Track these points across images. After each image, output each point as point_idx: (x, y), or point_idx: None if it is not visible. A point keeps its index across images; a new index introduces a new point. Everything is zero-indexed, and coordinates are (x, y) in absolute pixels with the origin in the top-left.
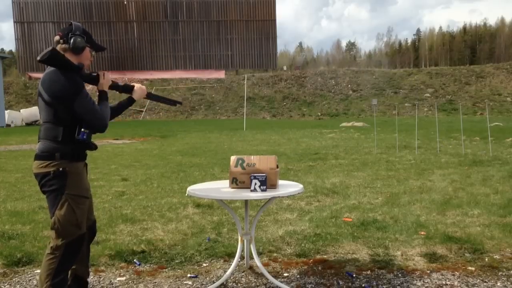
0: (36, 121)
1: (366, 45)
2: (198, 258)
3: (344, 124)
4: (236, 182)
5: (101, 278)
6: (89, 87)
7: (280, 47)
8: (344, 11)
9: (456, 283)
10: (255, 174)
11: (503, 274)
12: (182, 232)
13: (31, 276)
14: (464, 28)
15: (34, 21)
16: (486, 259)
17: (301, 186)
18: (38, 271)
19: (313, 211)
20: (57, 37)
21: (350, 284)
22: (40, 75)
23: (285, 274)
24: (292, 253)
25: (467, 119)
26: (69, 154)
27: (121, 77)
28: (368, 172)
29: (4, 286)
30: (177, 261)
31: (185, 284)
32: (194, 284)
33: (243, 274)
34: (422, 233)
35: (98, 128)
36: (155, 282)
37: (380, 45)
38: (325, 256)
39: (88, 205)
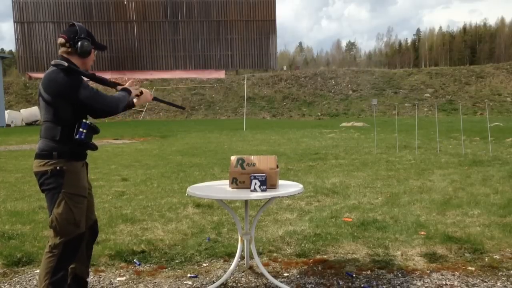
0: (36, 121)
1: (366, 45)
2: (198, 258)
3: (344, 124)
4: (236, 182)
5: (101, 278)
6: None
7: (280, 47)
8: (344, 11)
9: (456, 283)
10: (255, 174)
11: (503, 274)
12: (182, 232)
13: (31, 276)
14: (464, 28)
15: (34, 21)
16: (486, 259)
17: (301, 186)
18: (38, 271)
19: (313, 211)
20: (61, 40)
21: (350, 284)
22: (40, 75)
23: (285, 274)
24: (292, 253)
25: (467, 119)
26: (66, 153)
27: (121, 77)
28: (368, 172)
29: (4, 286)
30: (177, 261)
31: (185, 284)
32: (194, 284)
33: (243, 274)
34: (422, 233)
35: (110, 110)
36: (155, 282)
37: (380, 45)
38: (325, 256)
39: (86, 205)
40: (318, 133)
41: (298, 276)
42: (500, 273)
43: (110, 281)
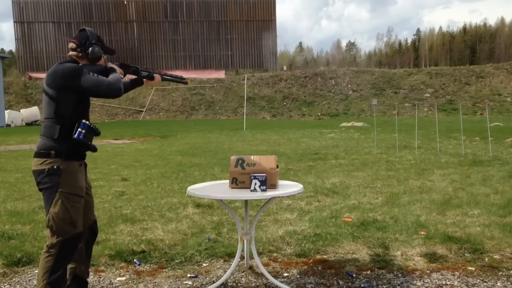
0: (36, 121)
1: (366, 45)
2: (198, 258)
3: (344, 124)
4: (236, 182)
5: (101, 278)
6: None
7: (280, 47)
8: (344, 11)
9: (456, 283)
10: (255, 174)
11: (503, 274)
12: (182, 232)
13: (31, 276)
14: (464, 28)
15: (34, 21)
16: (486, 259)
17: (301, 186)
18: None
19: (313, 211)
20: (72, 45)
21: (350, 284)
22: (40, 75)
23: (285, 274)
24: (292, 253)
25: (467, 119)
26: (64, 152)
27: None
28: (368, 172)
29: (4, 286)
30: (177, 261)
31: (185, 284)
32: (194, 284)
33: (243, 274)
34: (422, 233)
35: (114, 93)
36: (155, 282)
37: (380, 45)
38: (325, 256)
39: (86, 205)
40: (318, 133)
41: (298, 276)
42: (500, 273)
43: (110, 281)
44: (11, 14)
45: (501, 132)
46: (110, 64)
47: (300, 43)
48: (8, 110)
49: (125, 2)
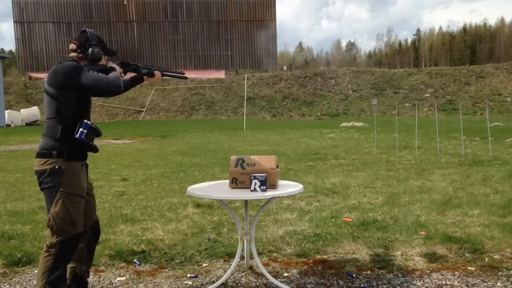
0: (36, 121)
1: (366, 45)
2: (198, 258)
3: (344, 124)
4: (236, 182)
5: (101, 278)
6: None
7: (280, 47)
8: (344, 11)
9: (456, 283)
10: (255, 174)
11: (503, 274)
12: (182, 232)
13: (31, 276)
14: (464, 28)
15: (34, 21)
16: (486, 259)
17: (301, 186)
18: None
19: (313, 211)
20: (73, 46)
21: (350, 284)
22: (40, 75)
23: (285, 274)
24: (292, 253)
25: (467, 119)
26: (66, 152)
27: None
28: (368, 172)
29: (4, 286)
30: (177, 261)
31: (185, 284)
32: (194, 284)
33: (243, 274)
34: (422, 233)
35: (114, 90)
36: (155, 282)
37: (380, 45)
38: (325, 256)
39: (87, 205)
40: (318, 133)
41: (298, 276)
42: (500, 273)
43: (110, 281)
44: (11, 14)
45: (501, 132)
46: (110, 64)
47: (300, 43)
48: (8, 110)
49: (125, 2)
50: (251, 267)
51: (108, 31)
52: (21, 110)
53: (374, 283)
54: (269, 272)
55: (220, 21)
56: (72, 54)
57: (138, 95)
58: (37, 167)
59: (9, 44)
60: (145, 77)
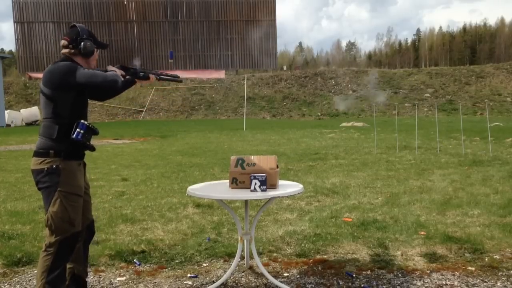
0: (36, 121)
1: (366, 45)
2: (198, 258)
3: (344, 124)
4: (236, 182)
5: (101, 278)
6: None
7: (280, 47)
8: (344, 11)
9: (456, 283)
10: (255, 174)
11: (503, 274)
12: (182, 232)
13: (31, 276)
14: (464, 28)
15: (34, 21)
16: (486, 259)
17: (301, 186)
18: None
19: (313, 211)
20: (64, 42)
21: (350, 284)
22: (40, 75)
23: (285, 274)
24: (292, 253)
25: (467, 119)
26: (63, 152)
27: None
28: (368, 172)
29: (4, 286)
30: (177, 261)
31: (185, 284)
32: (194, 284)
33: (243, 274)
34: (422, 233)
35: (110, 85)
36: (155, 282)
37: (380, 45)
38: (325, 256)
39: (81, 204)
40: (318, 133)
41: (298, 276)
42: (500, 273)
43: (110, 281)
44: (11, 14)
45: (501, 132)
46: (110, 67)
47: (300, 43)
48: (8, 110)
49: (125, 2)
50: (251, 267)
51: (108, 31)
52: (21, 110)
53: (374, 283)
54: (269, 272)
55: (220, 21)
56: (64, 50)
57: (138, 95)
58: (34, 166)
59: (9, 44)
60: (137, 79)
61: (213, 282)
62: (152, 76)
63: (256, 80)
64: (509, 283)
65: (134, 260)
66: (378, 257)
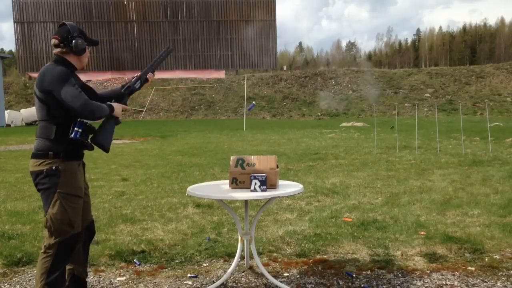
0: (36, 121)
1: (366, 45)
2: (198, 258)
3: (344, 124)
4: (236, 182)
5: (101, 278)
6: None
7: (280, 47)
8: (344, 11)
9: (456, 283)
10: (255, 174)
11: (503, 274)
12: (182, 232)
13: (31, 276)
14: (464, 28)
15: (34, 21)
16: (486, 259)
17: (301, 186)
18: None
19: (313, 211)
20: (55, 41)
21: (350, 284)
22: None
23: (285, 274)
24: (292, 253)
25: (467, 119)
26: (62, 152)
27: (121, 77)
28: (368, 172)
29: (4, 286)
30: (177, 261)
31: (185, 284)
32: (194, 284)
33: (243, 274)
34: (422, 233)
35: (85, 114)
36: (155, 282)
37: (380, 45)
38: (325, 256)
39: (81, 205)
40: (318, 133)
41: (298, 276)
42: (500, 273)
43: (110, 281)
44: (11, 14)
45: (501, 132)
46: (115, 105)
47: (300, 43)
48: (8, 110)
49: (125, 2)
50: (251, 267)
51: (108, 31)
52: (21, 110)
53: (374, 283)
54: (269, 272)
55: (220, 21)
56: (56, 50)
57: (138, 95)
58: (33, 168)
59: (9, 44)
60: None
61: (213, 282)
62: (150, 76)
63: (256, 80)
64: (509, 283)
65: (134, 260)
66: (378, 257)
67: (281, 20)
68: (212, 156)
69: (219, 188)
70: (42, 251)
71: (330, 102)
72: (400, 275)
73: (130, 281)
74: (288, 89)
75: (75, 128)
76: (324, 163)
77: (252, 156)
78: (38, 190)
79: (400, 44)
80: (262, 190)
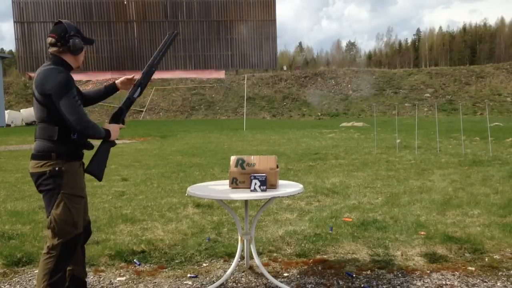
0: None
1: (366, 45)
2: (198, 258)
3: (344, 124)
4: (236, 182)
5: (101, 278)
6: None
7: (280, 47)
8: (344, 11)
9: (456, 283)
10: (255, 174)
11: (503, 274)
12: (182, 232)
13: (31, 276)
14: (464, 28)
15: (34, 21)
16: (486, 259)
17: (301, 186)
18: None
19: (313, 211)
20: (51, 40)
21: (350, 284)
22: None
23: (285, 274)
24: (292, 253)
25: (467, 119)
26: (65, 153)
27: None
28: (368, 172)
29: (4, 286)
30: (177, 261)
31: (185, 284)
32: (194, 284)
33: (243, 274)
34: (422, 233)
35: (77, 129)
36: (155, 282)
37: (380, 45)
38: (325, 256)
39: (83, 205)
40: (318, 133)
41: (298, 276)
42: (500, 273)
43: (110, 281)
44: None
45: (501, 132)
46: (106, 126)
47: (300, 43)
48: (8, 110)
49: (125, 2)
50: (251, 267)
51: (108, 31)
52: (21, 110)
53: (374, 283)
54: (269, 272)
55: (220, 21)
56: (53, 48)
57: None
58: (35, 169)
59: (9, 44)
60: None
61: (213, 282)
62: (151, 78)
63: (256, 80)
64: (509, 283)
65: (134, 260)
66: (378, 257)
67: (281, 20)
68: (212, 156)
69: (219, 188)
70: (44, 251)
71: (318, 99)
72: (400, 275)
73: (130, 281)
74: (288, 89)
75: None
76: (324, 163)
77: (252, 156)
78: (40, 191)
79: (400, 44)
80: (262, 190)
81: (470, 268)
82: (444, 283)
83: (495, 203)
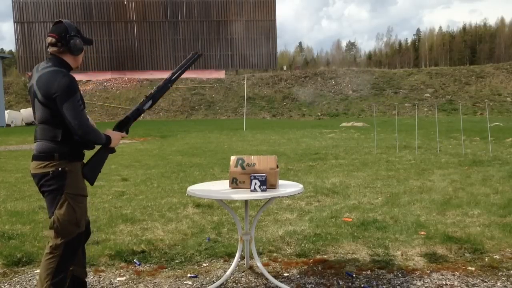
0: None
1: (366, 45)
2: (198, 258)
3: (344, 124)
4: (236, 182)
5: (101, 278)
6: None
7: (280, 47)
8: (344, 11)
9: (456, 283)
10: (255, 174)
11: (503, 274)
12: (182, 232)
13: (31, 276)
14: (464, 28)
15: (34, 21)
16: (486, 259)
17: (301, 186)
18: (38, 271)
19: (313, 211)
20: (51, 40)
21: (350, 284)
22: None
23: (285, 274)
24: (292, 253)
25: (467, 119)
26: (67, 154)
27: (121, 77)
28: (368, 172)
29: (4, 286)
30: (177, 261)
31: (185, 284)
32: (194, 284)
33: (243, 274)
34: (422, 233)
35: (77, 132)
36: (155, 282)
37: (380, 45)
38: (325, 256)
39: (86, 204)
40: (318, 133)
41: (298, 276)
42: (500, 273)
43: (110, 281)
44: (11, 14)
45: (501, 132)
46: (108, 132)
47: (300, 43)
48: (8, 110)
49: (125, 2)
50: (251, 267)
51: (108, 31)
52: (21, 110)
53: (374, 283)
54: (269, 272)
55: (220, 21)
56: (53, 48)
57: (138, 95)
58: (37, 170)
59: (9, 44)
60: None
61: (213, 282)
62: (165, 93)
63: (256, 80)
64: (509, 283)
65: (134, 260)
66: (378, 257)
67: (281, 20)
68: (212, 156)
69: (219, 188)
70: (47, 251)
71: (307, 96)
72: (400, 275)
73: (130, 281)
74: (288, 89)
75: None
76: (324, 163)
77: (252, 156)
78: (43, 192)
79: (400, 44)
80: (262, 190)
81: (470, 268)
82: (444, 283)
83: (495, 203)
